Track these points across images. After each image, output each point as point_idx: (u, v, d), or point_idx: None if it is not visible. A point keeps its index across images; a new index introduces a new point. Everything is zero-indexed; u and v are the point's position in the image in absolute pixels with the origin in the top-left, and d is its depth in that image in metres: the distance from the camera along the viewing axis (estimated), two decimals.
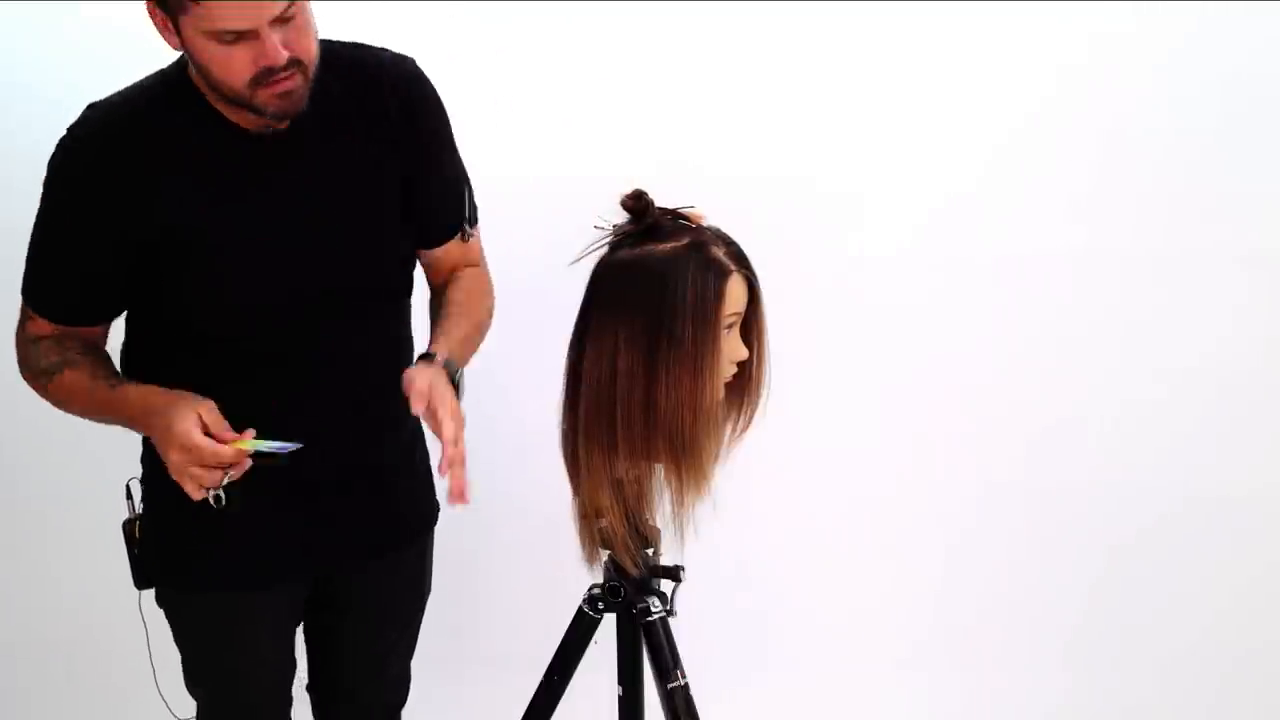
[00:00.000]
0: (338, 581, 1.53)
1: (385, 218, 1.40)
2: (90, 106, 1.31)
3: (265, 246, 1.31)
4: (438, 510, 1.61)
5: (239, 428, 1.27)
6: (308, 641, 1.62)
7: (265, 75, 1.18)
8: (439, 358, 1.32)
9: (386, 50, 1.39)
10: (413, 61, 1.40)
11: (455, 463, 1.23)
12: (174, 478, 1.22)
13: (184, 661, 1.54)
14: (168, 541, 1.45)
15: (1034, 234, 2.14)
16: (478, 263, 1.52)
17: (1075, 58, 2.07)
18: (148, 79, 1.33)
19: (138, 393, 1.28)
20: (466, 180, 1.48)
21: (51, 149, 1.33)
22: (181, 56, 1.28)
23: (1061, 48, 2.07)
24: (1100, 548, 2.25)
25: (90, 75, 2.02)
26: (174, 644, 1.54)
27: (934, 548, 2.28)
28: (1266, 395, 2.19)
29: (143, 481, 1.48)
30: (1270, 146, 2.10)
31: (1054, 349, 2.19)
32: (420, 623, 1.68)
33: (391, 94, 1.36)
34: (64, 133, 1.30)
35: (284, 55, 1.17)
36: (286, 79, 1.19)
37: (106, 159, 1.26)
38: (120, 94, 1.32)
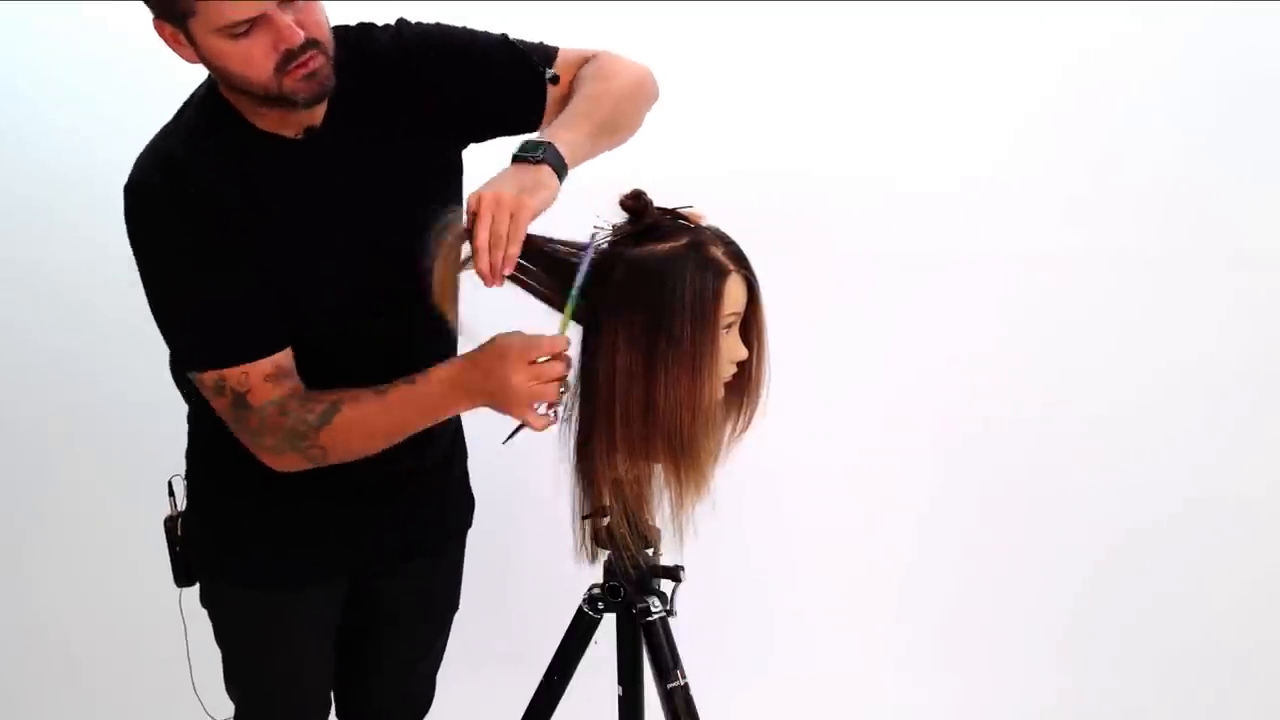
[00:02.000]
0: (373, 583, 1.53)
1: (435, 198, 1.37)
2: (149, 158, 1.26)
3: (331, 254, 1.30)
4: (473, 512, 1.63)
5: None
6: (337, 642, 1.61)
7: (286, 60, 1.16)
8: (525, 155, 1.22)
9: (374, 25, 1.38)
10: (396, 24, 1.39)
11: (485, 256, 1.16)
12: (518, 413, 1.19)
13: (224, 661, 1.55)
14: (217, 537, 1.45)
15: (1032, 234, 2.14)
16: (587, 58, 1.43)
17: (1073, 59, 2.08)
18: (187, 112, 1.29)
19: (447, 369, 1.23)
20: (505, 39, 1.41)
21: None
22: (209, 78, 1.27)
23: (1060, 49, 2.07)
24: (1097, 548, 2.26)
25: (90, 75, 2.05)
26: (213, 645, 1.54)
27: (933, 547, 2.28)
28: (1261, 395, 2.19)
29: (189, 477, 1.48)
30: (1266, 148, 2.10)
31: (1052, 348, 2.19)
32: (448, 635, 1.68)
33: (408, 68, 1.34)
34: (134, 190, 1.24)
35: (300, 35, 1.16)
36: (309, 60, 1.18)
37: (184, 206, 1.22)
38: (169, 138, 1.27)
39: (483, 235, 1.15)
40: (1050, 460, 2.23)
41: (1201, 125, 2.09)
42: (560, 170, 1.23)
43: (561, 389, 1.21)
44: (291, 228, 1.27)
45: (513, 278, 1.22)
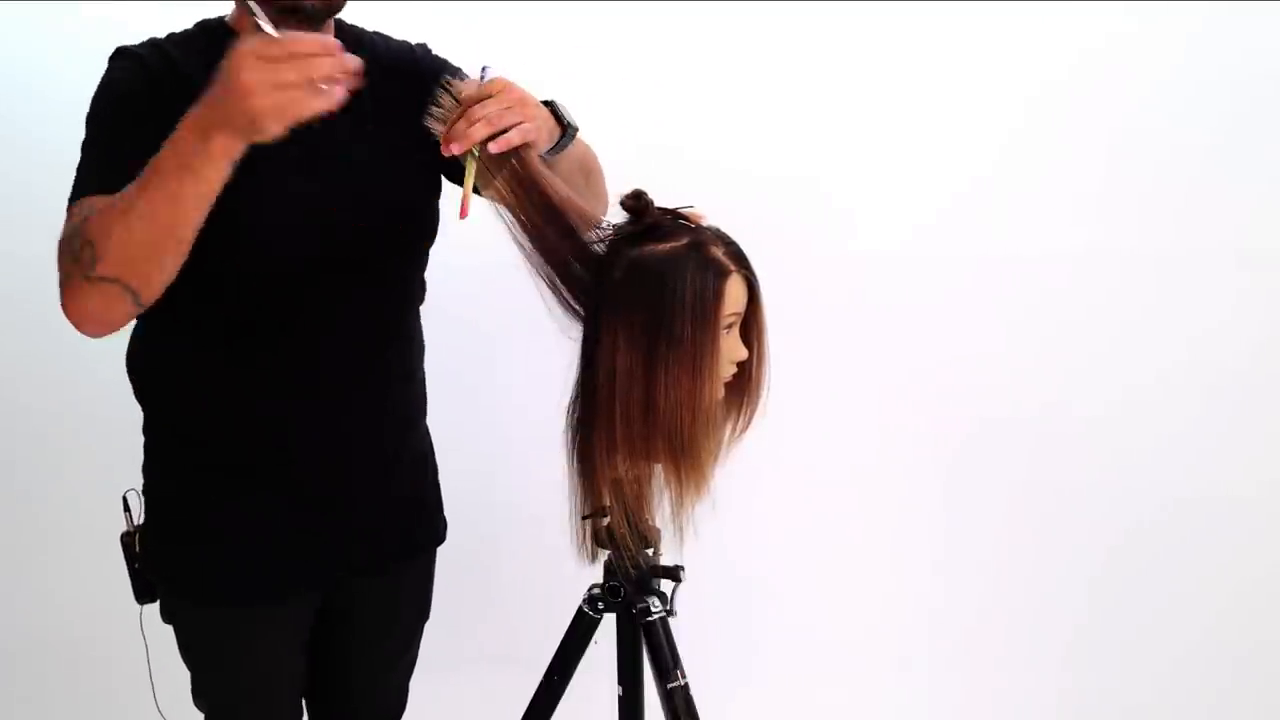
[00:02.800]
0: (344, 593, 1.51)
1: (414, 174, 1.40)
2: (145, 42, 1.32)
3: (290, 190, 1.29)
4: (445, 531, 1.61)
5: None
6: (309, 650, 1.60)
7: None
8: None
9: (388, 35, 1.44)
10: (419, 43, 1.46)
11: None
12: (287, 113, 1.02)
13: (192, 676, 1.52)
14: (178, 553, 1.42)
15: (1034, 234, 2.14)
16: None
17: (1078, 58, 2.08)
18: (192, 29, 1.34)
19: (176, 133, 1.07)
20: None
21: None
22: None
23: (1065, 49, 2.07)
24: (1100, 548, 2.26)
25: (90, 75, 2.05)
26: (175, 657, 1.52)
27: (934, 547, 2.28)
28: (1267, 395, 2.19)
29: (146, 492, 1.45)
30: (1272, 147, 2.10)
31: (1055, 348, 2.19)
32: (420, 642, 1.67)
33: (415, 75, 1.37)
34: (117, 52, 1.30)
35: None
36: None
37: (155, 77, 1.26)
38: (167, 37, 1.33)
39: (490, 107, 1.17)
40: (1053, 460, 2.23)
41: (1207, 125, 2.09)
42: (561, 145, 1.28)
43: (337, 69, 1.03)
44: (257, 155, 1.23)
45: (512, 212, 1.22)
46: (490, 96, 1.18)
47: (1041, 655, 2.29)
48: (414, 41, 1.46)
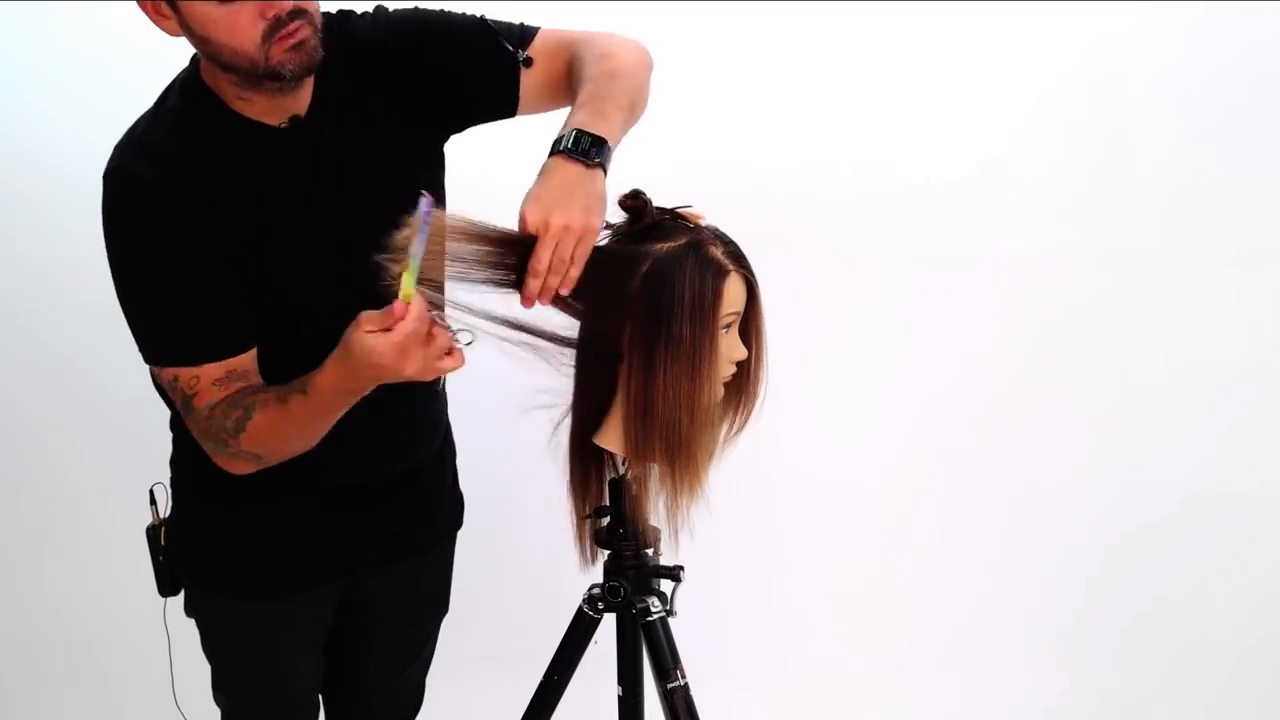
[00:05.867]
0: (364, 585, 1.52)
1: (416, 173, 1.35)
2: (131, 146, 1.22)
3: (315, 244, 1.28)
4: (462, 515, 1.62)
5: None
6: (325, 645, 1.60)
7: (274, 29, 1.12)
8: (562, 141, 1.18)
9: (352, 12, 1.35)
10: (374, 11, 1.35)
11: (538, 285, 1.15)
12: (419, 376, 1.11)
13: (213, 670, 1.53)
14: (205, 547, 1.43)
15: (1031, 233, 2.14)
16: (576, 40, 1.36)
17: (1074, 58, 2.08)
18: (169, 99, 1.25)
19: (323, 375, 1.15)
20: (480, 22, 1.35)
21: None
22: (192, 61, 1.25)
23: (1061, 49, 2.07)
24: (1096, 547, 2.26)
25: (89, 75, 2.05)
26: (196, 654, 1.53)
27: (932, 547, 2.28)
28: (1262, 394, 2.19)
29: (174, 485, 1.46)
30: (1266, 145, 2.10)
31: (1050, 348, 2.19)
32: (436, 638, 1.67)
33: (386, 55, 1.31)
34: (115, 177, 1.21)
35: (288, 2, 1.12)
36: (296, 29, 1.14)
37: (168, 195, 1.19)
38: (151, 125, 1.24)
39: (545, 259, 1.12)
40: (1050, 459, 2.23)
41: (1201, 123, 2.09)
42: (607, 170, 1.18)
43: (451, 339, 1.12)
44: (276, 218, 1.25)
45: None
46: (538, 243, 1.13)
47: (1043, 656, 2.29)
48: (372, 9, 1.35)
